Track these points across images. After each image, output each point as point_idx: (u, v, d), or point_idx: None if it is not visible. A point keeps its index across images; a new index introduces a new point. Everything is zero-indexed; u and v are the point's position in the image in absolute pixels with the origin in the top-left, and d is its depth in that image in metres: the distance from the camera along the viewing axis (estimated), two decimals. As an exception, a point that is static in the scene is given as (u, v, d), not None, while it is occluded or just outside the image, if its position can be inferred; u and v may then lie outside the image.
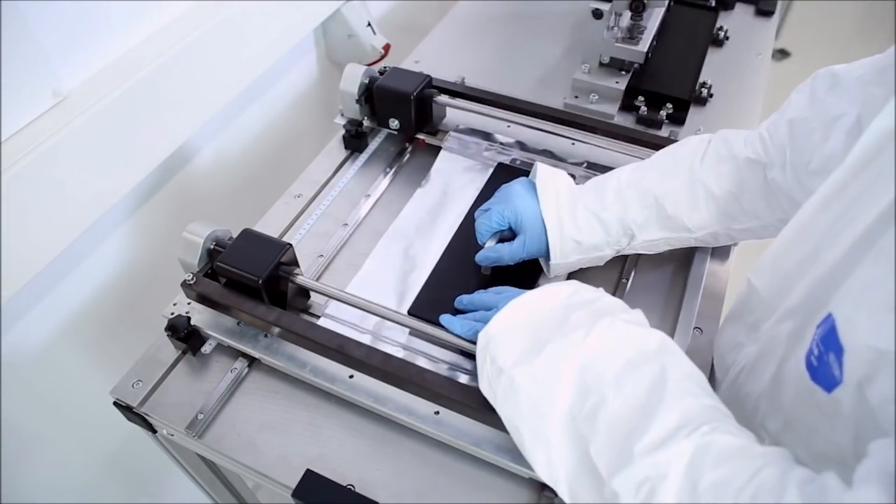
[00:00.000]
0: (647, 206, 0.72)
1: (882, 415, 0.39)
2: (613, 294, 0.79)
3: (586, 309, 0.54)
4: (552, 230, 0.72)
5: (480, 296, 0.69)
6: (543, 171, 0.75)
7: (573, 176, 0.83)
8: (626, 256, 0.83)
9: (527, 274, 0.78)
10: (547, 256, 0.74)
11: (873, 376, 0.40)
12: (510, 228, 0.75)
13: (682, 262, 0.83)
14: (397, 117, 0.93)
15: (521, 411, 0.52)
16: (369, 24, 1.28)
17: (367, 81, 0.93)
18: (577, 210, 0.72)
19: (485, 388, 0.57)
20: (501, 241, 0.75)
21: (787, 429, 0.52)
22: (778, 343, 0.53)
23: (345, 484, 0.62)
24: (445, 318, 0.66)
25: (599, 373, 0.49)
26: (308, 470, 0.62)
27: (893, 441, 0.36)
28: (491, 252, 0.74)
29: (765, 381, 0.55)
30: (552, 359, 0.51)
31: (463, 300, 0.71)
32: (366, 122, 0.97)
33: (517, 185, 0.76)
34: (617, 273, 0.82)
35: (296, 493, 0.61)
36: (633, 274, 0.82)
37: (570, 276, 0.79)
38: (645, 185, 0.72)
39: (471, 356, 0.69)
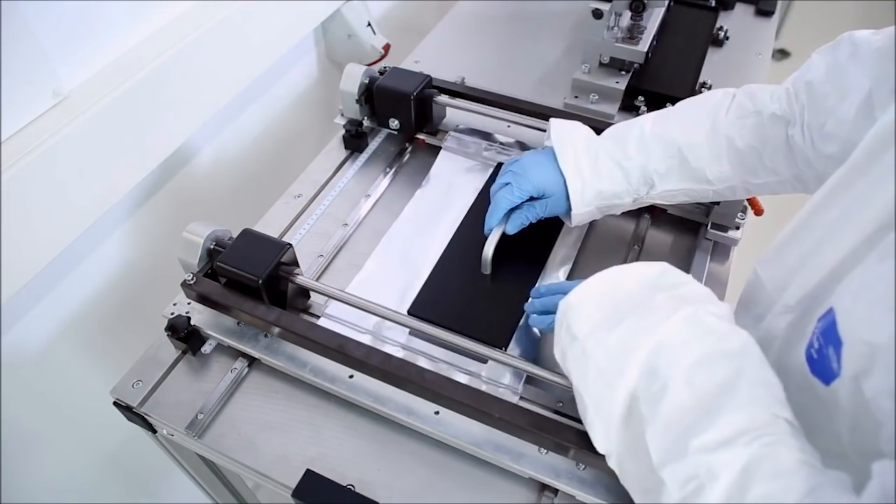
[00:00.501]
0: (671, 156, 0.71)
1: (876, 407, 0.40)
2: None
3: (672, 293, 0.53)
4: (572, 179, 0.72)
5: (558, 284, 0.68)
6: (559, 126, 0.75)
7: None
8: (625, 256, 0.83)
9: (527, 265, 0.77)
10: (567, 212, 0.74)
11: (869, 370, 0.40)
12: (529, 199, 0.74)
13: (682, 262, 0.83)
14: (397, 117, 0.93)
15: (588, 380, 0.52)
16: (369, 24, 1.28)
17: (367, 81, 0.93)
18: (599, 158, 0.72)
19: (558, 356, 0.57)
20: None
21: None
22: (777, 335, 0.54)
23: (345, 484, 0.62)
24: (531, 319, 0.68)
25: (672, 359, 0.48)
26: (308, 470, 0.62)
27: (894, 463, 0.36)
28: (516, 217, 0.74)
29: None
30: (627, 335, 0.50)
31: (540, 289, 0.69)
32: (366, 122, 0.97)
33: (529, 156, 0.75)
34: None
35: (296, 493, 0.61)
36: (633, 274, 0.82)
37: (570, 272, 0.79)
38: (669, 136, 0.71)
39: (474, 357, 0.69)
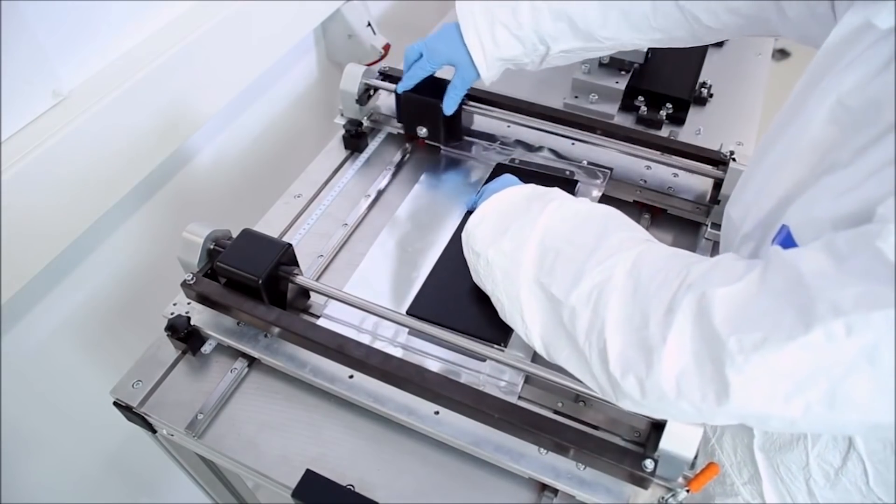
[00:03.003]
0: (558, 20, 0.77)
1: None
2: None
3: (543, 198, 0.61)
4: (475, 52, 0.81)
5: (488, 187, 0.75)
6: (462, 6, 0.81)
7: (571, 173, 0.90)
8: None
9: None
10: (479, 76, 0.84)
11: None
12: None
13: (681, 262, 0.83)
14: (425, 125, 0.93)
15: (497, 283, 0.59)
16: (369, 24, 1.28)
17: (367, 82, 0.93)
18: (496, 29, 0.79)
19: (474, 277, 0.65)
20: None
21: None
22: None
23: (345, 484, 0.62)
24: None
25: (554, 235, 0.56)
26: (308, 470, 0.62)
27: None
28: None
29: None
30: (515, 234, 0.58)
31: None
32: (365, 122, 0.97)
33: (437, 34, 0.84)
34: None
35: (296, 493, 0.61)
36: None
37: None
38: (558, 6, 0.77)
39: (473, 356, 0.69)
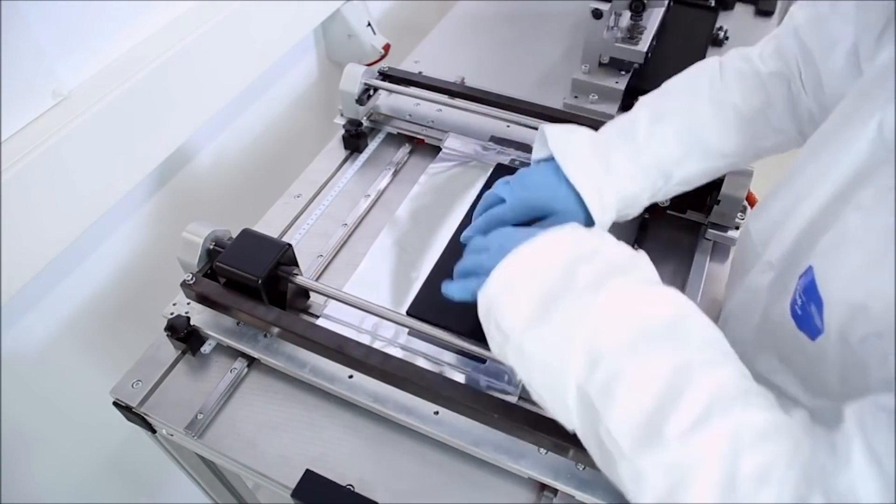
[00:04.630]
0: (683, 139, 0.66)
1: (864, 350, 0.41)
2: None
3: (594, 263, 0.49)
4: (586, 187, 0.63)
5: (475, 241, 0.61)
6: (555, 131, 0.66)
7: None
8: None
9: None
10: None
11: (851, 326, 0.41)
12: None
13: (682, 261, 0.83)
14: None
15: (534, 377, 0.48)
16: (369, 24, 1.28)
17: (367, 82, 0.93)
18: (610, 158, 0.65)
19: (496, 352, 0.52)
20: None
21: (781, 370, 0.52)
22: (761, 291, 0.54)
23: (344, 484, 0.62)
24: (446, 287, 0.61)
25: (613, 340, 0.45)
26: (308, 470, 0.62)
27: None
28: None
29: (751, 328, 0.56)
30: (561, 324, 0.46)
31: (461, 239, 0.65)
32: (365, 122, 0.97)
33: (528, 172, 0.67)
34: (617, 273, 0.82)
35: (295, 493, 0.61)
36: (632, 274, 0.82)
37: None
38: (676, 118, 0.67)
39: (473, 357, 0.69)
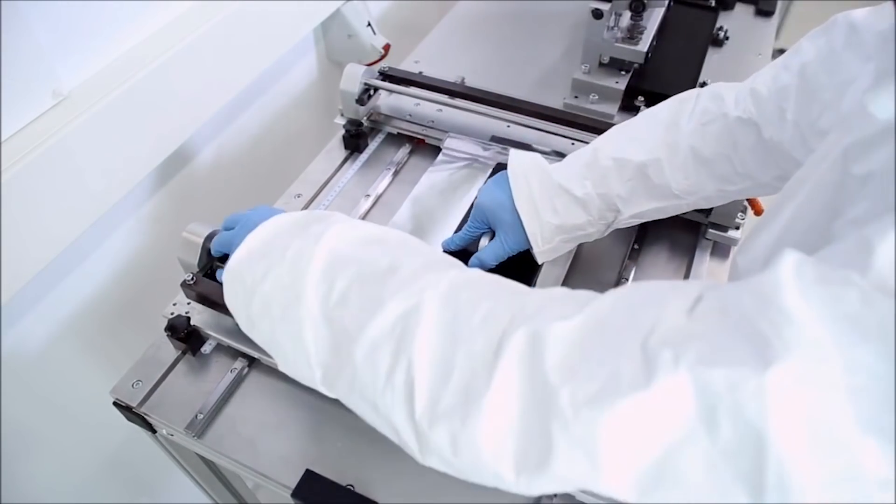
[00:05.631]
0: (629, 178, 0.67)
1: None
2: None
3: (324, 221, 0.50)
4: (528, 219, 0.69)
5: (221, 237, 0.62)
6: (514, 159, 0.71)
7: None
8: (623, 256, 0.83)
9: (525, 263, 0.77)
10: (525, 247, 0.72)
11: None
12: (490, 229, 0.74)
13: (682, 261, 0.83)
14: None
15: (275, 322, 0.47)
16: (369, 24, 1.28)
17: (367, 82, 0.93)
18: (553, 193, 0.69)
19: (246, 327, 0.51)
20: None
21: None
22: None
23: (344, 484, 0.62)
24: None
25: (343, 258, 0.46)
26: (308, 470, 0.62)
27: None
28: (473, 260, 0.74)
29: None
30: (294, 261, 0.47)
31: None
32: (365, 122, 0.97)
33: (489, 184, 0.74)
34: (616, 273, 0.82)
35: (295, 493, 0.61)
36: (632, 274, 0.82)
37: (571, 270, 0.79)
38: (624, 156, 0.67)
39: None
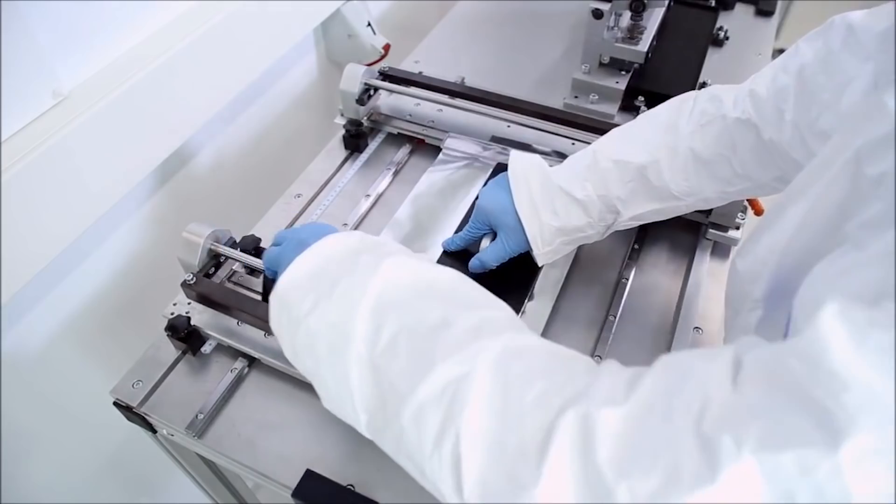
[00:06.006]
0: (629, 179, 0.67)
1: None
2: (613, 295, 0.80)
3: (375, 251, 0.50)
4: (528, 222, 0.69)
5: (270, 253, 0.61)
6: (515, 161, 0.72)
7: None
8: (624, 256, 0.83)
9: (526, 264, 0.77)
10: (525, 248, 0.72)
11: None
12: (491, 230, 0.74)
13: (682, 261, 0.83)
14: None
15: (320, 360, 0.47)
16: (369, 24, 1.28)
17: (367, 82, 0.93)
18: (554, 195, 0.69)
19: (289, 354, 0.51)
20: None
21: None
22: (750, 330, 0.52)
23: (345, 484, 0.62)
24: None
25: (394, 302, 0.45)
26: (308, 470, 0.62)
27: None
28: (475, 261, 0.74)
29: None
30: (342, 298, 0.46)
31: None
32: (365, 122, 0.97)
33: (489, 185, 0.75)
34: (616, 273, 0.82)
35: (296, 493, 0.61)
36: (632, 274, 0.82)
37: (571, 271, 0.79)
38: (624, 159, 0.67)
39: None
